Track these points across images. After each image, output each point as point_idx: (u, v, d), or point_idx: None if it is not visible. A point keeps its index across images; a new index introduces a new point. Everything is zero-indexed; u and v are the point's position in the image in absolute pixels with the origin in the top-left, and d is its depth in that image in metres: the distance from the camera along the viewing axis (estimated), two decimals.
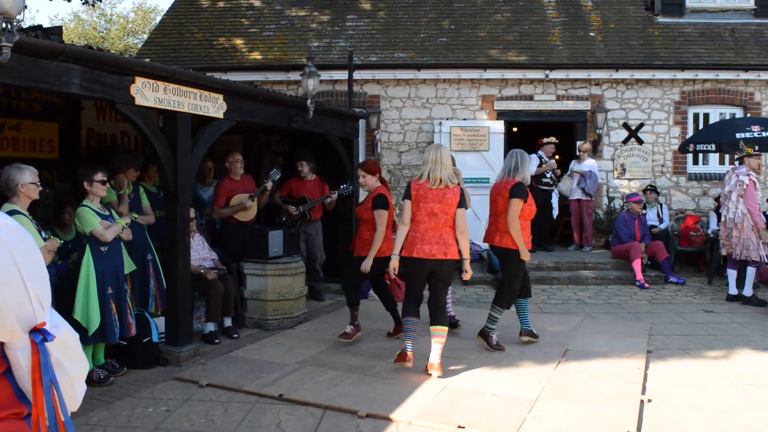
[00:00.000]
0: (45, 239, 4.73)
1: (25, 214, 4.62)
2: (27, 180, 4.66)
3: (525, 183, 6.04)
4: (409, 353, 5.45)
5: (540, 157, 11.16)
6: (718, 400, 4.88)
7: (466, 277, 5.56)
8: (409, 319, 5.56)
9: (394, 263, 5.49)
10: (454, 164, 5.85)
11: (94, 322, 5.06)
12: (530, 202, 6.02)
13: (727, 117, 11.88)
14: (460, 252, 5.47)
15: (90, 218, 5.17)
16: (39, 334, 1.50)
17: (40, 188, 4.80)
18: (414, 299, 5.61)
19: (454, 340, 6.40)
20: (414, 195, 5.45)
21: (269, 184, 7.57)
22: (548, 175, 11.14)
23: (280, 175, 7.85)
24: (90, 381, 5.16)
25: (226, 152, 7.82)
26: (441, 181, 5.39)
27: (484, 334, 6.21)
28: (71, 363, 1.61)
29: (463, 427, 4.29)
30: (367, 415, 4.51)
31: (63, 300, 5.17)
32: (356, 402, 4.74)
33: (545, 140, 11.26)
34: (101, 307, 5.13)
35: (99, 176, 5.33)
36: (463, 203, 5.48)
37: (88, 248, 5.18)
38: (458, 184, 5.54)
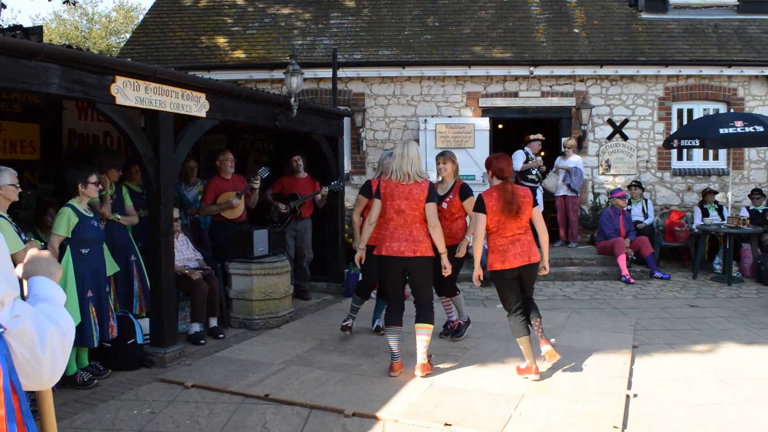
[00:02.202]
0: (25, 242, 4.67)
1: (4, 217, 4.55)
2: (6, 182, 4.60)
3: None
4: (396, 364, 5.36)
5: (526, 154, 11.19)
6: (703, 394, 4.91)
7: (446, 272, 5.45)
8: (392, 329, 5.38)
9: (359, 255, 5.72)
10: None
11: None
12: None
13: (711, 112, 11.96)
14: (435, 248, 5.35)
15: (62, 224, 5.12)
16: None
17: (20, 190, 4.73)
18: (395, 305, 5.42)
19: (440, 339, 6.39)
20: (382, 193, 5.39)
21: (257, 183, 7.55)
22: (534, 172, 11.16)
23: (268, 174, 7.82)
24: (74, 383, 5.14)
25: (216, 151, 7.82)
26: (409, 176, 5.29)
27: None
28: (33, 354, 1.58)
29: (450, 425, 4.28)
30: (354, 413, 4.50)
31: None
32: (342, 401, 4.72)
33: (532, 137, 11.29)
34: (80, 310, 5.07)
35: (93, 178, 5.34)
36: (432, 197, 5.32)
37: (68, 249, 5.13)
38: (427, 178, 5.40)
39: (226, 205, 7.39)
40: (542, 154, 11.82)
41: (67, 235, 5.14)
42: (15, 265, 4.49)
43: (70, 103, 7.42)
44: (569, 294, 8.99)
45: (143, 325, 5.91)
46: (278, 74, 11.23)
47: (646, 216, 11.04)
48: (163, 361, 5.71)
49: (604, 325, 7.05)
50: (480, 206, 5.27)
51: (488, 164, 5.54)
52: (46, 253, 1.87)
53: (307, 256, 8.54)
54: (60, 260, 5.09)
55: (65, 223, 5.13)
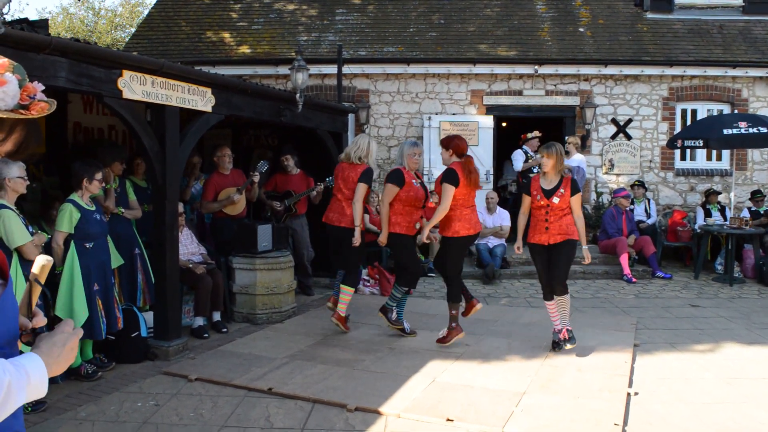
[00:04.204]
0: (32, 234, 4.70)
1: (12, 209, 4.58)
2: (14, 174, 4.63)
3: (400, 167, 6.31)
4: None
5: (525, 152, 11.11)
6: (703, 393, 4.93)
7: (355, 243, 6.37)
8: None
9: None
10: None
11: (80, 318, 5.02)
12: (407, 188, 6.12)
13: (715, 113, 11.96)
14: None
15: (64, 221, 5.14)
16: None
17: (27, 182, 4.76)
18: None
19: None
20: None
21: (256, 177, 7.56)
22: (535, 170, 11.10)
23: (267, 167, 7.83)
24: (78, 375, 5.18)
25: (215, 146, 7.81)
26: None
27: (384, 310, 6.39)
28: None
29: (452, 420, 4.31)
30: (356, 408, 4.52)
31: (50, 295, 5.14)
32: (345, 395, 4.75)
33: (529, 135, 11.22)
34: (87, 304, 5.10)
35: (99, 175, 5.37)
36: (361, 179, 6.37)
37: (72, 244, 5.15)
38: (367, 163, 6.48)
39: (227, 201, 7.38)
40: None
41: (70, 231, 5.16)
42: (22, 255, 4.52)
43: (76, 97, 7.43)
44: (571, 292, 8.93)
45: (147, 318, 5.94)
46: (283, 70, 11.25)
47: (648, 216, 11.05)
48: (167, 354, 5.74)
49: (605, 323, 7.07)
50: (454, 179, 5.84)
51: (448, 143, 6.00)
52: (64, 332, 1.61)
53: (306, 254, 8.48)
54: (65, 255, 5.12)
55: (67, 219, 5.14)
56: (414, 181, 6.25)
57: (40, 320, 1.66)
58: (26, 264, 4.46)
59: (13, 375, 1.39)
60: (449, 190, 5.83)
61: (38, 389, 1.47)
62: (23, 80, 1.43)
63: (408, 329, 6.45)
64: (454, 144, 6.00)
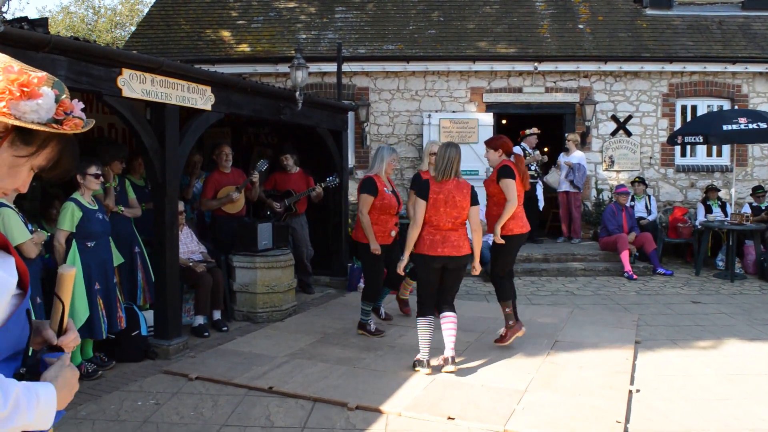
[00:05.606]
0: (31, 232, 4.70)
1: (11, 207, 4.57)
2: None
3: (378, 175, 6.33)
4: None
5: (523, 149, 11.06)
6: (705, 389, 4.93)
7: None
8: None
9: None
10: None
11: (80, 318, 5.02)
12: (380, 196, 6.20)
13: (715, 109, 11.94)
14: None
15: (66, 219, 5.13)
16: None
17: None
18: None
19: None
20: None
21: (255, 176, 7.56)
22: (533, 167, 11.08)
23: (267, 166, 7.83)
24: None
25: (215, 145, 7.80)
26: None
27: (361, 325, 6.43)
28: None
29: (453, 419, 4.30)
30: (357, 407, 4.52)
31: (50, 294, 5.13)
32: (346, 394, 4.74)
33: (527, 132, 11.19)
34: (88, 303, 5.10)
35: (93, 169, 5.31)
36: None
37: (74, 242, 5.14)
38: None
39: (226, 199, 7.38)
40: (546, 149, 11.78)
41: (72, 229, 5.16)
42: (22, 254, 4.50)
43: (75, 95, 7.40)
44: (572, 289, 9.00)
45: (147, 316, 5.93)
46: (283, 68, 11.24)
47: (649, 212, 11.04)
48: (167, 353, 5.74)
49: (606, 320, 7.06)
50: (512, 174, 5.73)
51: (496, 144, 5.96)
52: (74, 369, 1.56)
53: (305, 253, 8.47)
54: (67, 254, 5.11)
55: (69, 218, 5.14)
56: (386, 188, 6.33)
57: (69, 340, 1.55)
58: (25, 262, 4.45)
59: (23, 391, 1.36)
60: (512, 184, 5.69)
61: (44, 417, 1.41)
62: (60, 95, 1.43)
63: (373, 328, 6.44)
64: (502, 143, 5.97)
